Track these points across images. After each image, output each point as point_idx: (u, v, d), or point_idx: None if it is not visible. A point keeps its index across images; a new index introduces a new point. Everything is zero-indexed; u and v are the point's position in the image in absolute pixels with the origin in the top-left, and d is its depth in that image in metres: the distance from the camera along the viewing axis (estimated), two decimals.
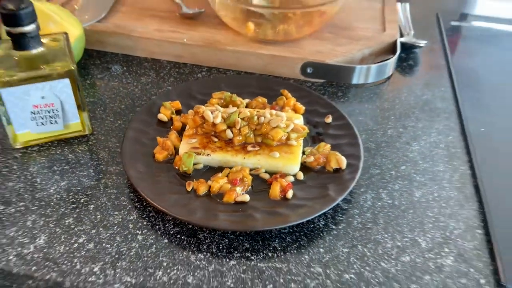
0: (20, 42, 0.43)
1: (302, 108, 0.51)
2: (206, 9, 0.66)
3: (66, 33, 0.48)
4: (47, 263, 0.36)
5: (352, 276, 0.36)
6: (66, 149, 0.47)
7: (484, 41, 0.73)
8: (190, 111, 0.48)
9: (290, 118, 0.46)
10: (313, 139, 0.48)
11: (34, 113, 0.45)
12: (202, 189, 0.41)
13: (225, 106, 0.50)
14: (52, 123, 0.46)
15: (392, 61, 0.60)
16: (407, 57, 0.65)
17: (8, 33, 0.42)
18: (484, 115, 0.54)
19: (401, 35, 0.68)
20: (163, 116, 0.49)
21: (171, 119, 0.49)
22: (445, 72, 0.63)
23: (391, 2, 0.72)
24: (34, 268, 0.36)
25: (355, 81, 0.59)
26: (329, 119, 0.50)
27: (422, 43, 0.65)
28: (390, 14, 0.68)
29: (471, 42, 0.73)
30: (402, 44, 0.64)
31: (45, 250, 0.37)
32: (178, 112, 0.51)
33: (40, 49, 0.44)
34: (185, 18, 0.66)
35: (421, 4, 0.80)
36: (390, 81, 0.61)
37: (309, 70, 0.59)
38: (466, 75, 0.62)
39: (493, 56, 0.68)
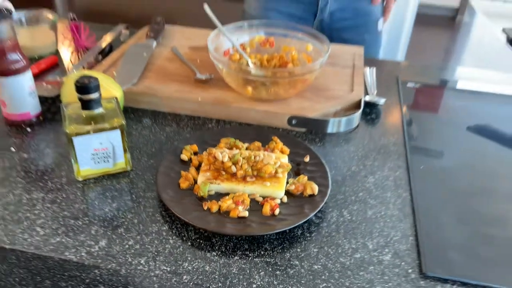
0: (87, 105, 0.61)
1: (287, 150, 0.69)
2: (215, 75, 0.86)
3: (116, 98, 0.66)
4: (108, 257, 0.52)
5: (319, 266, 0.52)
6: (114, 181, 0.64)
7: (433, 100, 0.92)
8: (205, 152, 0.65)
9: (278, 158, 0.64)
10: (294, 173, 0.65)
11: (93, 155, 0.62)
12: (214, 208, 0.58)
13: (230, 148, 0.68)
14: (105, 162, 0.64)
15: (358, 115, 0.78)
16: (370, 111, 0.84)
17: (80, 99, 0.61)
18: (423, 157, 0.72)
19: (368, 93, 0.87)
20: (184, 156, 0.67)
21: (190, 159, 0.67)
22: (399, 123, 0.81)
23: (359, 68, 0.91)
24: (99, 261, 0.52)
25: (329, 130, 0.77)
26: (307, 159, 0.67)
27: (381, 101, 0.83)
28: (358, 78, 0.87)
29: (423, 101, 0.92)
30: (366, 101, 0.83)
31: (106, 249, 0.53)
32: (195, 153, 0.68)
33: (100, 110, 0.62)
34: (199, 82, 0.85)
35: (386, 69, 1.00)
36: (357, 130, 0.79)
37: (294, 122, 0.77)
38: (414, 126, 0.80)
39: (436, 112, 0.87)
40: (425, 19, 3.43)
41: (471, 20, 3.88)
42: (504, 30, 0.73)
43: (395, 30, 2.49)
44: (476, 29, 3.87)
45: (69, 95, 0.72)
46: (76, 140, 0.60)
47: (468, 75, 1.04)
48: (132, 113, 0.80)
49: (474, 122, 0.84)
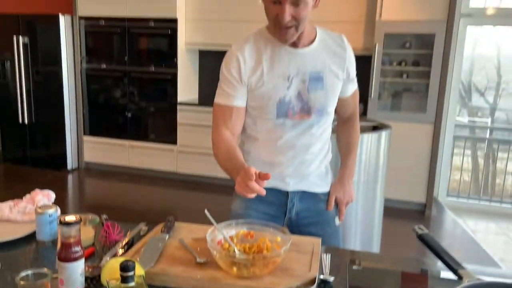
0: (126, 279, 0.92)
1: None
2: (210, 259, 1.18)
3: (143, 275, 0.98)
4: None
5: None
6: None
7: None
8: None
9: None
10: None
11: None
12: None
13: None
14: None
15: None
16: (324, 286, 1.13)
17: (121, 275, 0.92)
18: None
19: (322, 273, 1.18)
20: None
21: None
22: None
23: (316, 254, 1.25)
24: None
25: None
26: None
27: (331, 279, 1.14)
28: (314, 262, 1.20)
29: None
30: (321, 279, 1.14)
31: None
32: None
33: (133, 283, 0.93)
34: (199, 264, 1.17)
35: (340, 255, 1.34)
36: None
37: None
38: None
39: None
40: (395, 213, 3.90)
41: (439, 215, 4.37)
42: (414, 229, 1.06)
43: (368, 224, 2.88)
44: (446, 224, 4.32)
45: (108, 274, 1.04)
46: None
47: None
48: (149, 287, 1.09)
49: None
